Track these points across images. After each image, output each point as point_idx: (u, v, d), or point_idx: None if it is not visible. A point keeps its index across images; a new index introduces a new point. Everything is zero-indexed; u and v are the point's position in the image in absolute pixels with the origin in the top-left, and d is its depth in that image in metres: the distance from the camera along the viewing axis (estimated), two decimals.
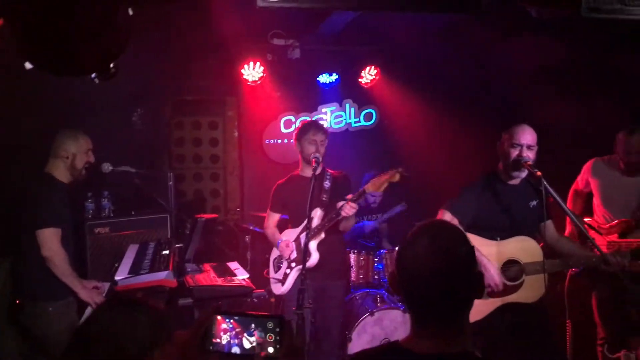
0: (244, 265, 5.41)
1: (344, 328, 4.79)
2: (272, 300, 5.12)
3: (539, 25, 4.62)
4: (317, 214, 4.08)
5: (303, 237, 3.83)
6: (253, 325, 1.42)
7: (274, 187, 4.42)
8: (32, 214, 3.54)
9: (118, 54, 1.91)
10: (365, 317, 4.75)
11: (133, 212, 5.04)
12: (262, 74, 6.10)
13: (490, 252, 3.48)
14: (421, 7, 2.84)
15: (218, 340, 1.43)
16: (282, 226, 4.45)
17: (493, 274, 3.39)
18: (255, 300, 5.29)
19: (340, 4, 2.86)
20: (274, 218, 4.42)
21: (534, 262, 3.49)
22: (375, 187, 3.75)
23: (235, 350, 1.41)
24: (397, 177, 3.75)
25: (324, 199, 4.13)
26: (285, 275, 4.14)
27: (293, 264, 4.11)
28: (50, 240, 3.49)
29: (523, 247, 3.53)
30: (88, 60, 1.86)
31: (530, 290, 3.51)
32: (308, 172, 4.16)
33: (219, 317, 1.44)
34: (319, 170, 4.03)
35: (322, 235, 4.01)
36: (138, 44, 5.29)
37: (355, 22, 5.43)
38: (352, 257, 5.11)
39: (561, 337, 3.94)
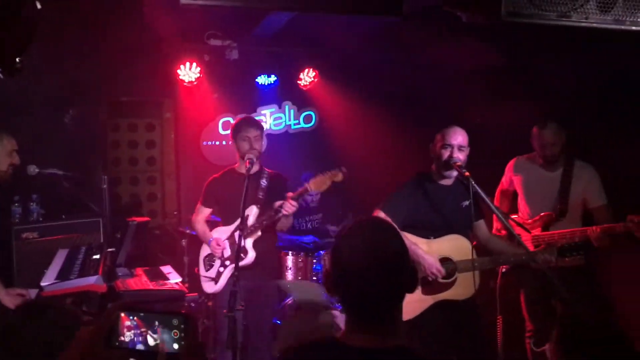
0: (181, 269, 5.33)
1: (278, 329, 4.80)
2: (210, 303, 5.06)
3: (470, 30, 4.75)
4: (252, 212, 4.03)
5: (237, 234, 3.78)
6: (157, 323, 1.43)
7: (207, 181, 4.31)
8: None
9: (23, 49, 1.84)
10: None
11: (64, 217, 4.88)
12: (198, 75, 6.03)
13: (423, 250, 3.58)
14: (344, 9, 2.87)
15: (122, 337, 1.43)
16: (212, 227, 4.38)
17: (432, 262, 3.49)
18: (193, 305, 5.22)
19: (261, 4, 2.85)
20: (204, 213, 4.33)
21: (466, 260, 3.58)
22: (317, 186, 3.76)
23: (140, 347, 1.42)
24: (339, 177, 3.79)
25: (260, 196, 4.08)
26: (219, 274, 4.09)
27: (227, 262, 4.06)
28: None
29: (455, 246, 3.63)
30: None
31: (462, 287, 3.61)
32: (244, 169, 4.07)
33: (122, 315, 1.44)
34: (254, 170, 4.01)
35: (259, 233, 3.97)
36: (69, 42, 5.23)
37: (293, 24, 5.44)
38: (291, 258, 5.12)
39: (493, 332, 4.04)
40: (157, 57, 5.94)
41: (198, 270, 4.28)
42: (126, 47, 5.53)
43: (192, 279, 5.19)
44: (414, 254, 3.49)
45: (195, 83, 6.08)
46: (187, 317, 1.42)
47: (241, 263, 3.83)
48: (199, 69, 6.01)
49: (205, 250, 4.28)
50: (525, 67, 5.03)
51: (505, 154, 4.64)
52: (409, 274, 1.64)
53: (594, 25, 2.60)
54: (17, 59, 1.78)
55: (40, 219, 4.79)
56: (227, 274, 4.05)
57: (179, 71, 5.99)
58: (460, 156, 3.56)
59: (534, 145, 4.25)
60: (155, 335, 1.42)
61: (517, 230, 4.17)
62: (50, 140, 5.20)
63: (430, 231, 3.66)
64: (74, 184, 4.80)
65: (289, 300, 5.10)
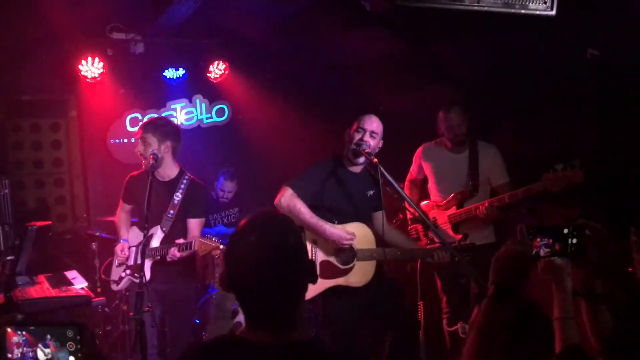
0: (91, 273, 5.12)
1: (200, 329, 4.69)
2: (124, 307, 4.88)
3: (375, 17, 4.79)
4: (157, 234, 3.82)
5: (139, 251, 3.65)
6: (49, 336, 1.33)
7: (127, 178, 4.09)
8: None
9: None
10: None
11: None
12: (102, 70, 5.76)
13: None
14: None
15: (10, 355, 1.32)
16: None
17: (340, 233, 3.51)
18: (107, 310, 5.03)
19: None
20: (124, 208, 4.14)
21: (366, 249, 3.63)
22: (200, 249, 3.58)
23: None
24: (217, 252, 3.68)
25: (169, 215, 3.83)
26: (120, 278, 3.99)
27: (128, 271, 3.94)
28: None
29: (358, 233, 3.63)
30: None
31: (359, 275, 3.64)
32: (159, 174, 3.89)
33: (9, 330, 1.32)
34: (174, 173, 3.88)
35: (158, 258, 3.79)
36: None
37: (199, 15, 5.29)
38: (207, 256, 4.99)
39: (415, 318, 4.11)
40: (57, 52, 5.67)
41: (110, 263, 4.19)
42: (23, 41, 5.23)
43: (104, 282, 4.99)
44: (320, 229, 3.50)
45: (99, 79, 5.81)
46: (82, 327, 1.33)
47: (136, 281, 3.72)
48: (102, 64, 5.75)
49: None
50: (427, 54, 5.12)
51: (411, 141, 4.72)
52: (305, 268, 1.62)
53: (485, 9, 2.66)
54: None
55: None
56: (125, 281, 3.95)
57: (80, 67, 5.71)
58: (370, 142, 3.59)
59: (441, 130, 4.35)
60: (47, 350, 1.32)
61: (433, 213, 4.27)
62: None
63: (335, 216, 3.65)
64: None
65: (207, 299, 4.99)
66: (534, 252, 1.93)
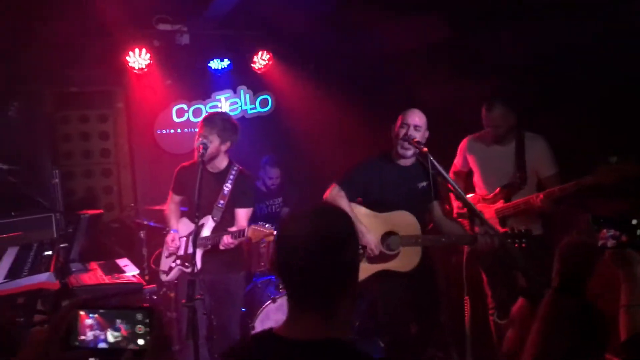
0: (140, 261, 5.22)
1: (247, 317, 4.73)
2: (172, 295, 4.96)
3: (418, 5, 4.73)
4: (208, 223, 3.87)
5: (189, 241, 3.69)
6: (119, 319, 1.35)
7: (177, 169, 4.14)
8: None
9: None
10: (268, 304, 4.71)
11: (13, 213, 4.69)
12: (149, 62, 5.84)
13: (371, 222, 3.74)
14: None
15: (83, 337, 1.35)
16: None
17: (370, 240, 3.66)
18: (155, 297, 5.12)
19: None
20: (174, 199, 4.20)
21: (410, 235, 3.72)
22: (253, 236, 3.59)
23: (102, 345, 1.34)
24: (271, 238, 3.63)
25: (220, 205, 3.89)
26: (170, 269, 4.02)
27: (178, 262, 3.97)
28: None
29: (403, 221, 3.77)
30: None
31: (405, 260, 3.76)
32: (210, 166, 3.94)
33: (82, 313, 1.35)
34: (223, 164, 3.92)
35: (209, 247, 3.84)
36: (10, 32, 4.99)
37: (244, 6, 5.31)
38: (253, 245, 5.03)
39: (460, 311, 4.07)
40: (105, 45, 5.74)
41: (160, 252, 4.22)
42: (72, 34, 5.32)
43: (152, 270, 5.09)
44: (359, 233, 3.52)
45: (145, 70, 5.89)
46: (152, 311, 1.35)
47: (187, 270, 3.78)
48: (148, 55, 5.83)
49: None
50: (471, 42, 5.00)
51: (456, 132, 4.63)
52: (351, 264, 1.59)
53: None
54: None
55: None
56: (176, 272, 3.98)
57: (128, 58, 5.80)
58: (415, 135, 3.71)
59: (485, 123, 4.26)
60: (116, 333, 1.34)
61: (478, 207, 4.19)
62: None
63: (384, 207, 3.79)
64: (21, 179, 4.61)
65: (252, 287, 5.04)
66: (600, 243, 1.87)
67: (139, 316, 1.36)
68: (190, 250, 3.52)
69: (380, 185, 3.79)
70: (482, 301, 4.34)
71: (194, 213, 3.58)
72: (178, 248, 4.00)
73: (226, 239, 3.67)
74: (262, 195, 5.72)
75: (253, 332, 4.59)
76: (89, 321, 1.35)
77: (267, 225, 3.58)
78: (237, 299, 4.11)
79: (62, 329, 1.33)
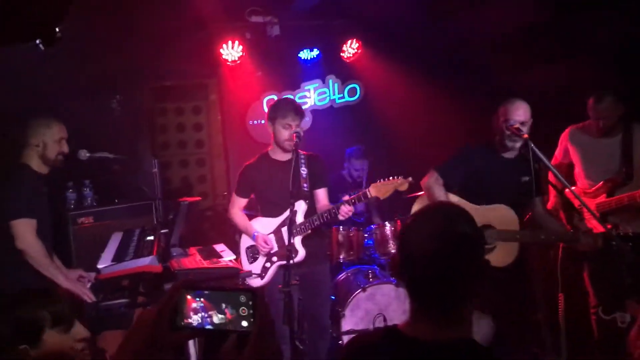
0: (233, 247, 5.34)
1: (337, 305, 4.76)
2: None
3: None
4: (300, 208, 3.86)
5: (285, 231, 3.69)
6: (224, 301, 1.36)
7: (242, 169, 4.12)
8: (4, 206, 3.44)
9: (60, 17, 1.80)
10: (358, 293, 4.71)
11: (117, 201, 4.94)
12: (241, 54, 5.97)
13: None
14: None
15: (189, 319, 1.37)
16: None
17: None
18: (248, 282, 5.23)
19: None
20: (240, 203, 4.16)
21: (508, 230, 3.58)
22: (379, 193, 3.59)
23: (208, 327, 1.36)
24: (405, 186, 3.63)
25: (305, 188, 3.89)
26: (265, 269, 4.01)
27: (274, 259, 3.97)
28: (24, 232, 3.39)
29: (501, 215, 3.63)
30: (28, 25, 1.75)
31: (501, 255, 3.60)
32: (279, 155, 3.96)
33: (188, 297, 1.37)
34: (291, 156, 3.85)
35: (309, 232, 3.85)
36: (109, 27, 5.24)
37: None
38: (342, 234, 5.04)
39: (553, 307, 3.93)
40: (198, 37, 5.92)
41: (240, 261, 4.16)
42: (167, 29, 5.51)
43: None
44: None
45: (238, 62, 6.03)
46: (256, 293, 1.36)
47: (290, 262, 3.71)
48: (241, 47, 5.96)
49: (246, 242, 4.17)
50: (573, 24, 4.72)
51: (557, 120, 4.41)
52: (478, 265, 1.55)
53: None
54: (57, 29, 1.75)
55: (94, 204, 4.85)
56: (273, 269, 3.98)
57: (221, 51, 5.95)
58: (523, 131, 3.54)
59: (590, 115, 4.04)
60: (222, 316, 1.36)
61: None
62: (99, 126, 5.24)
63: (482, 200, 3.63)
64: (124, 168, 4.84)
65: (342, 276, 5.06)
66: None
67: (242, 298, 1.36)
68: (286, 241, 3.54)
69: (481, 176, 3.66)
70: (579, 297, 4.15)
71: (267, 205, 3.62)
72: (272, 247, 3.99)
73: (345, 208, 3.63)
74: (348, 185, 5.70)
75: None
76: (194, 305, 1.37)
77: (390, 178, 3.55)
78: (326, 288, 4.15)
79: (170, 309, 1.36)
